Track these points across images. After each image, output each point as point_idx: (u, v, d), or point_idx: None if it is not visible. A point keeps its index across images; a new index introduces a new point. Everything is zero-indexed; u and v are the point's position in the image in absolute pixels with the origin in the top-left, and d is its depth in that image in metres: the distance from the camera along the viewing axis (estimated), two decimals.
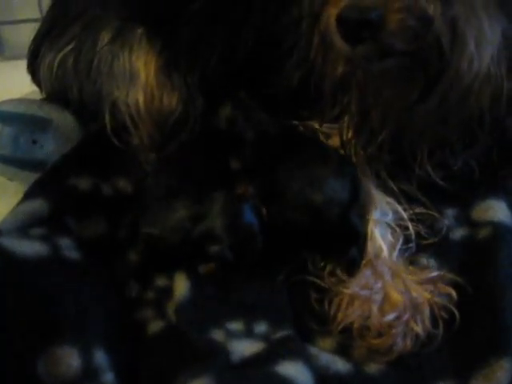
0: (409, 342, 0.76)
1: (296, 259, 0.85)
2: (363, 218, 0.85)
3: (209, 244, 0.82)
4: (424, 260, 0.86)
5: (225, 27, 0.98)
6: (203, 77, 0.97)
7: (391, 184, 0.91)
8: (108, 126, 0.99)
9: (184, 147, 0.96)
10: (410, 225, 0.88)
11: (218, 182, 0.89)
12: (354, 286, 0.80)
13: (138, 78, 0.99)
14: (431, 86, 0.80)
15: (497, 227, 0.87)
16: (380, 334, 0.77)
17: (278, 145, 0.92)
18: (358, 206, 0.85)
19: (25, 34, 1.13)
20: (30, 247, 0.78)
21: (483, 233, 0.88)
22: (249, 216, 0.84)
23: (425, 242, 0.88)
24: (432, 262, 0.86)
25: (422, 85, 0.80)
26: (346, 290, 0.80)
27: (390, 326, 0.77)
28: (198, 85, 0.98)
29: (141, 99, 0.98)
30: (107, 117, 1.00)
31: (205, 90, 0.98)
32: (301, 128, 0.97)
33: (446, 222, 0.91)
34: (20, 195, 0.88)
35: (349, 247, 0.83)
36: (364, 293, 0.79)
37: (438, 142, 0.89)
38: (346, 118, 0.93)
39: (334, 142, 0.96)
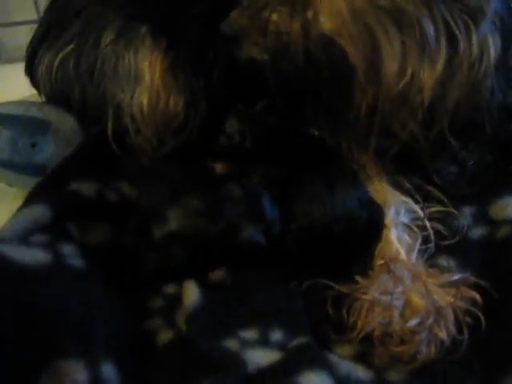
0: (433, 349, 0.73)
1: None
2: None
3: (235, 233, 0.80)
4: (443, 261, 0.84)
5: None
6: (209, 80, 0.94)
7: (406, 182, 0.88)
8: (110, 131, 0.96)
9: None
10: (428, 224, 0.85)
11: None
12: (373, 292, 0.77)
13: (143, 79, 0.95)
14: None
15: None
16: (403, 341, 0.74)
17: (297, 159, 0.89)
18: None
19: (22, 36, 1.11)
20: (31, 255, 0.75)
21: (502, 231, 0.86)
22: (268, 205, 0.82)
23: (443, 243, 0.85)
24: (451, 263, 0.84)
25: None
26: (365, 296, 0.77)
27: (413, 332, 0.74)
28: (203, 88, 0.94)
29: (145, 101, 0.95)
30: (110, 120, 0.96)
31: (209, 94, 0.94)
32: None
33: (464, 221, 0.88)
34: (19, 201, 0.85)
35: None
36: (384, 298, 0.76)
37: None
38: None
39: None
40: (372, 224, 0.82)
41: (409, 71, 0.78)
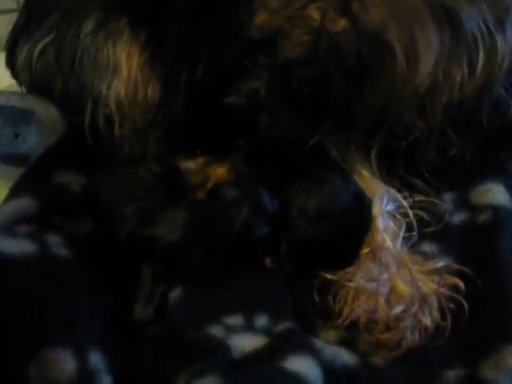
0: (417, 336, 0.75)
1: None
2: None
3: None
4: (426, 247, 0.85)
5: (214, 23, 0.94)
6: (191, 76, 0.94)
7: (390, 173, 0.89)
8: (87, 122, 0.95)
9: None
10: (410, 212, 0.86)
11: None
12: (359, 279, 0.78)
13: (121, 71, 0.95)
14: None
15: (497, 211, 0.87)
16: (388, 328, 0.75)
17: (287, 160, 0.89)
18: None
19: (1, 26, 1.08)
20: (16, 245, 0.75)
21: (483, 217, 0.87)
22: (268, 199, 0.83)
23: (426, 230, 0.86)
24: (434, 249, 0.85)
25: None
26: (351, 284, 0.78)
27: (398, 319, 0.75)
28: (185, 82, 0.94)
29: (122, 93, 0.95)
30: (88, 112, 0.96)
31: (191, 90, 0.94)
32: None
33: (446, 207, 0.90)
34: (3, 191, 0.85)
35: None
36: (370, 285, 0.77)
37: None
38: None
39: None
40: (363, 217, 0.83)
41: (440, 69, 0.79)
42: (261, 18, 0.79)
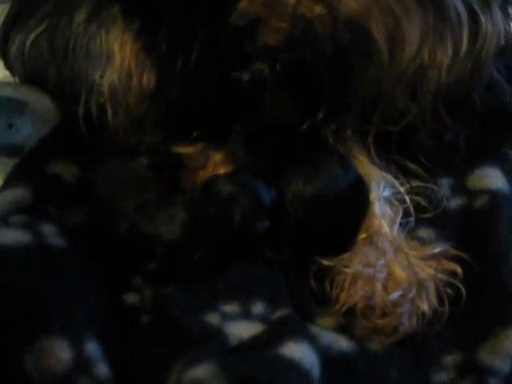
0: (415, 321, 0.75)
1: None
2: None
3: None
4: (423, 233, 0.85)
5: (206, 10, 0.94)
6: (185, 62, 0.93)
7: (386, 159, 0.88)
8: (81, 111, 0.95)
9: None
10: (407, 198, 0.86)
11: None
12: (356, 265, 0.78)
13: (114, 59, 0.95)
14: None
15: (493, 195, 0.87)
16: (385, 314, 0.75)
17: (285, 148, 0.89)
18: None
19: None
20: (11, 236, 0.74)
21: (480, 201, 0.88)
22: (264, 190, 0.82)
23: (423, 215, 0.86)
24: (432, 235, 0.85)
25: None
26: (347, 270, 0.78)
27: (396, 304, 0.75)
28: (180, 70, 0.93)
29: (116, 81, 0.94)
30: (82, 101, 0.95)
31: (186, 76, 0.93)
32: None
33: (443, 192, 0.90)
34: None
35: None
36: (367, 271, 0.77)
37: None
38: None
39: None
40: (361, 203, 0.83)
41: (426, 51, 0.79)
42: (242, 4, 0.79)
